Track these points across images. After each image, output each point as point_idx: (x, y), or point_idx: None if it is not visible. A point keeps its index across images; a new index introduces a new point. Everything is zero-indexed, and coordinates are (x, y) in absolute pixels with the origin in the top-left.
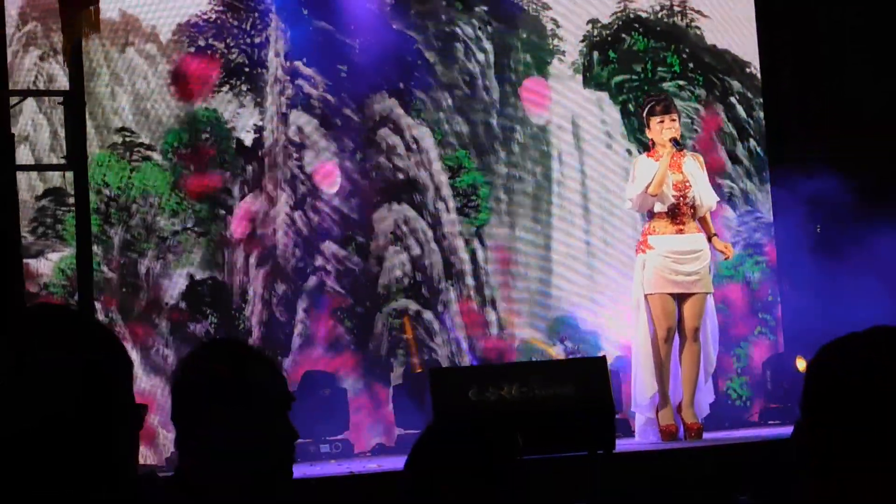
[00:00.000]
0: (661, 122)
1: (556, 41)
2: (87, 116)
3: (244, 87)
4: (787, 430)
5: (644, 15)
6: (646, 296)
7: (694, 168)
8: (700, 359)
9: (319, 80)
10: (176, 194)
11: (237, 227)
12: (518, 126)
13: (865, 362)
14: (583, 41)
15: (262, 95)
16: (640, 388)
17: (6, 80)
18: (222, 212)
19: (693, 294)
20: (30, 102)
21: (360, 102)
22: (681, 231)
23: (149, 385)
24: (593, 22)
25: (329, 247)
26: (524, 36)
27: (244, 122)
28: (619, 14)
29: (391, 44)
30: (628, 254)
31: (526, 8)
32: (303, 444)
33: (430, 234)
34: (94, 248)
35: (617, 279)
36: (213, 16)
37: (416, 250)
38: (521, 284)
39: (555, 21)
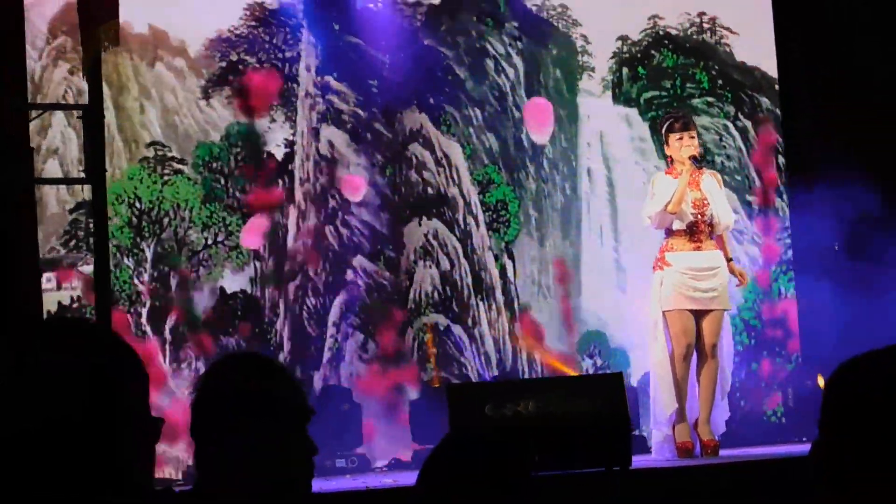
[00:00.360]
0: (680, 139)
1: (585, 57)
2: (116, 130)
3: (275, 102)
4: (805, 447)
5: (673, 32)
6: (664, 313)
7: (712, 186)
8: (717, 375)
9: (350, 95)
10: (206, 208)
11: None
12: (547, 142)
13: (885, 380)
14: (612, 57)
15: (293, 110)
16: (660, 405)
17: (26, 94)
18: None
19: (711, 311)
20: (59, 116)
21: (390, 117)
22: (698, 248)
23: (182, 396)
24: (623, 38)
25: (359, 261)
26: (554, 52)
27: (275, 136)
28: (648, 31)
29: (422, 59)
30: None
31: (556, 24)
32: (318, 459)
33: (459, 248)
34: (126, 260)
35: (646, 295)
36: (245, 31)
37: (446, 265)
38: (551, 300)
39: (584, 37)
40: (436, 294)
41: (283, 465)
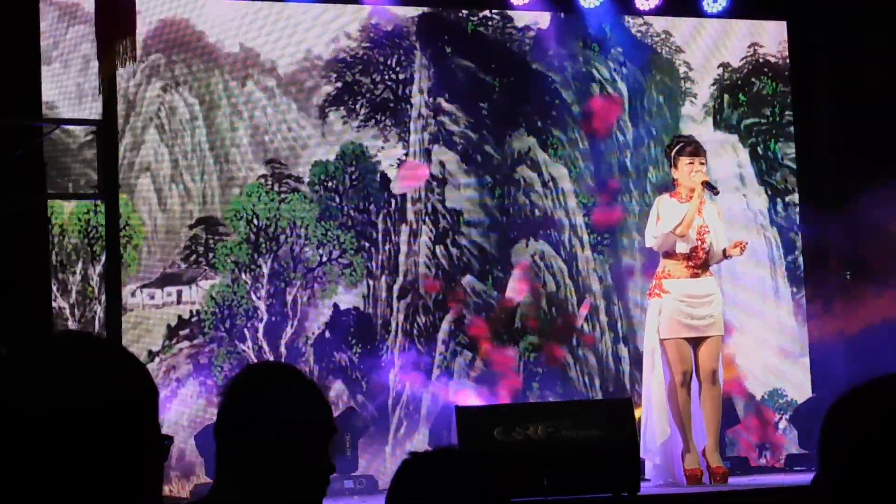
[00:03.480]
0: (691, 163)
1: (688, 84)
2: (207, 148)
3: (389, 122)
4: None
5: (773, 59)
6: (661, 341)
7: (713, 216)
8: (720, 401)
9: (461, 117)
10: (321, 225)
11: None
12: (650, 166)
13: (884, 412)
14: (714, 84)
15: (406, 130)
16: (651, 433)
17: (40, 112)
18: (366, 244)
19: (708, 337)
20: (152, 133)
21: (499, 140)
22: (696, 275)
23: None
24: (724, 66)
25: (469, 280)
26: (657, 78)
27: (388, 156)
28: (748, 59)
29: (530, 83)
30: (757, 290)
31: (660, 51)
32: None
33: (565, 270)
34: (244, 276)
35: (744, 316)
36: (361, 52)
37: (552, 286)
38: None
39: (687, 64)
40: (542, 314)
41: (297, 479)
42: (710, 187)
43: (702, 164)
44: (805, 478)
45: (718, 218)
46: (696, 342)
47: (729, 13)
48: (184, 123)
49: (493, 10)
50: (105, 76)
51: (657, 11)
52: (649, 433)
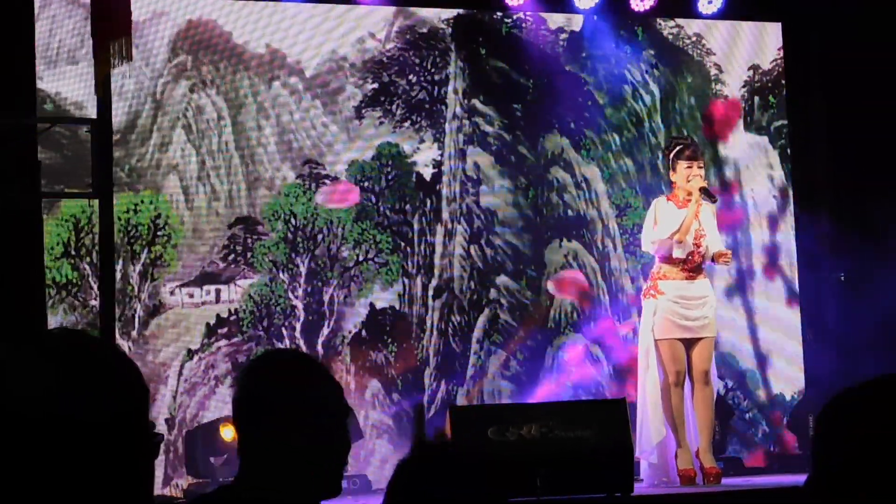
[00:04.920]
0: (689, 167)
1: (718, 86)
2: (234, 148)
3: (424, 123)
4: (804, 477)
5: None
6: (655, 341)
7: (709, 219)
8: (713, 402)
9: (495, 118)
10: (358, 225)
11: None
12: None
13: (878, 413)
14: (744, 86)
15: (441, 131)
16: (647, 433)
17: (35, 109)
18: (402, 243)
19: (701, 338)
20: (179, 133)
21: (533, 140)
22: (690, 277)
23: None
24: (754, 68)
25: (503, 280)
26: (689, 80)
27: (424, 157)
28: (778, 61)
29: (564, 84)
30: (791, 290)
31: (691, 53)
32: None
33: (598, 270)
34: (282, 275)
35: (776, 316)
36: (397, 53)
37: (585, 286)
38: None
39: (718, 66)
40: (575, 314)
41: (317, 458)
42: (707, 194)
43: (700, 167)
44: (798, 479)
45: (714, 220)
46: (689, 343)
47: (724, 15)
48: (211, 123)
49: (527, 13)
50: (100, 76)
51: (652, 13)
52: (644, 433)
